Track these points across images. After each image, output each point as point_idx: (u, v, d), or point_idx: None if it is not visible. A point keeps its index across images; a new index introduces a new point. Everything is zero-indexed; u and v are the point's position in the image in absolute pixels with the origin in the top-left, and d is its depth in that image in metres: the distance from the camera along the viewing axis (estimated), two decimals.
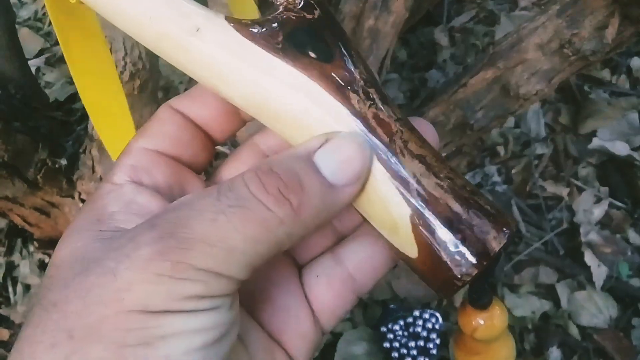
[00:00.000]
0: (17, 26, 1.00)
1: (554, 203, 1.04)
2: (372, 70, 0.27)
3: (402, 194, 0.25)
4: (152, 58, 0.65)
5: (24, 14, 1.42)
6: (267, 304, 0.29)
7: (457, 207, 0.25)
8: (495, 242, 0.25)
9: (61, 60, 1.28)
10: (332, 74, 0.26)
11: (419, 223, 0.25)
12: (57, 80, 1.21)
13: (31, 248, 0.98)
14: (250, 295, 0.28)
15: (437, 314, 0.83)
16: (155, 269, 0.21)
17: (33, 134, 0.72)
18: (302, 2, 0.26)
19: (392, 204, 0.25)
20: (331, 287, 0.29)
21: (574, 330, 0.91)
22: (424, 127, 0.28)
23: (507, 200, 1.04)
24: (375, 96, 0.26)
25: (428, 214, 0.25)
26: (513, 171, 1.08)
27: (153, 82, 0.68)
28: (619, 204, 1.03)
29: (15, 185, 0.72)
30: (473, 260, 0.25)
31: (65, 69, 1.24)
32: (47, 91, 1.09)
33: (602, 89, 1.16)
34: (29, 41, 1.31)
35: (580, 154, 1.09)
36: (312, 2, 0.26)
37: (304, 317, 0.29)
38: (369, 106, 0.26)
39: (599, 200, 1.03)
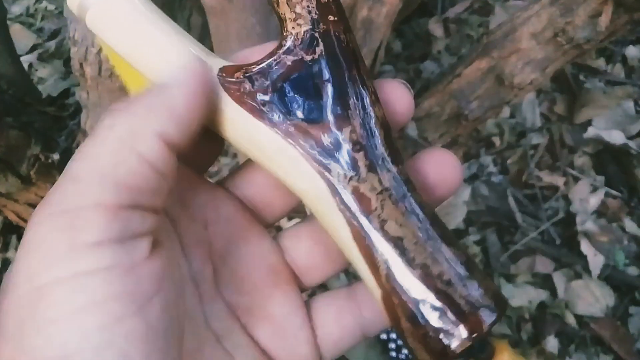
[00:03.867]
0: (9, 22, 0.99)
1: (550, 193, 1.04)
2: (372, 116, 0.25)
3: (373, 275, 0.24)
4: None
5: (16, 9, 1.41)
6: (266, 321, 0.28)
7: (422, 298, 0.24)
8: (457, 344, 0.23)
9: (54, 55, 1.27)
10: (317, 139, 0.25)
11: (390, 303, 0.24)
12: (50, 76, 1.20)
13: None
14: (247, 310, 0.28)
15: None
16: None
17: (26, 130, 0.72)
18: (307, 37, 0.25)
19: (368, 281, 0.25)
20: (340, 318, 0.29)
21: (571, 319, 0.91)
22: (394, 87, 0.27)
23: (503, 190, 1.03)
24: (362, 163, 0.25)
25: (395, 300, 0.24)
26: (509, 161, 1.08)
27: None
28: (615, 192, 1.03)
29: (9, 181, 0.72)
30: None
31: (58, 65, 1.24)
32: (40, 87, 1.08)
33: (597, 78, 1.16)
34: (22, 37, 1.30)
35: (576, 143, 1.09)
36: (317, 35, 0.25)
37: (304, 340, 0.28)
38: (350, 179, 0.24)
39: (595, 189, 1.03)
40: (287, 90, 0.25)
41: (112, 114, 0.22)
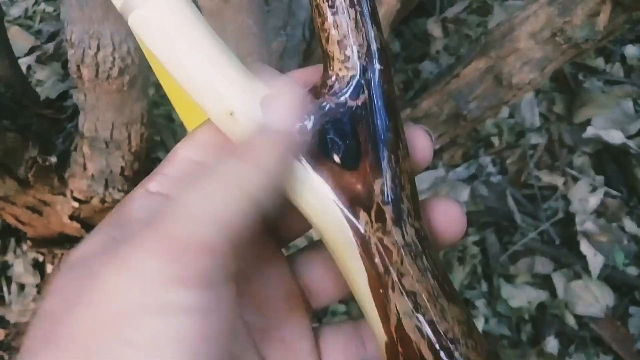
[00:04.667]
0: (7, 24, 0.99)
1: (550, 193, 1.04)
2: (403, 170, 0.26)
3: (382, 322, 0.25)
4: (141, 53, 0.64)
5: (14, 12, 1.41)
6: (278, 344, 0.29)
7: (427, 353, 0.24)
8: None
9: (52, 58, 1.27)
10: (351, 185, 0.25)
11: (395, 350, 0.25)
12: (48, 78, 1.20)
13: (24, 247, 0.98)
14: (262, 332, 0.28)
15: None
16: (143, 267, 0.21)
17: (23, 132, 0.72)
18: (354, 83, 0.25)
19: (375, 325, 0.26)
20: (346, 350, 0.30)
21: (570, 320, 0.91)
22: (418, 135, 0.27)
23: (502, 190, 1.03)
24: (389, 215, 0.25)
25: (401, 349, 0.25)
26: (508, 161, 1.08)
27: (143, 77, 0.67)
28: (615, 192, 1.03)
29: (7, 183, 0.72)
30: None
31: (56, 67, 1.24)
32: (38, 89, 1.08)
33: (596, 78, 1.16)
34: (20, 39, 1.30)
35: (575, 143, 1.09)
36: (363, 82, 0.25)
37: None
38: (376, 230, 0.25)
39: (594, 189, 1.03)
40: (327, 132, 0.25)
41: (226, 156, 0.23)
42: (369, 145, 0.25)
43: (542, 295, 0.93)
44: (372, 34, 0.25)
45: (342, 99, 0.25)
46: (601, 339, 0.89)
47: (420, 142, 0.27)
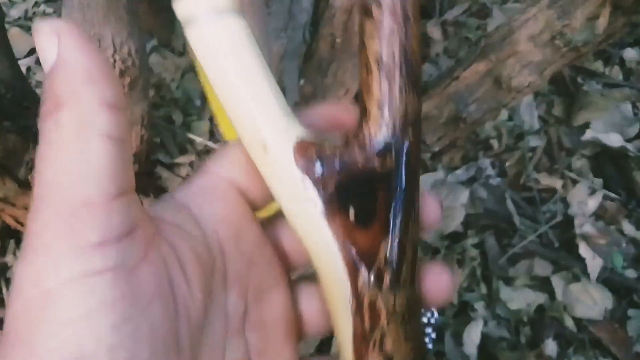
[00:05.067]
0: (7, 26, 0.99)
1: (548, 195, 1.04)
2: (409, 236, 0.27)
3: None
4: (142, 55, 0.64)
5: (14, 13, 1.41)
6: None
7: None
8: None
9: None
10: (359, 242, 0.26)
11: None
12: None
13: None
14: (259, 354, 0.29)
15: (433, 309, 0.83)
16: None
17: (24, 134, 0.72)
18: (383, 145, 0.26)
19: None
20: None
21: (569, 322, 0.91)
22: (430, 202, 0.28)
23: (502, 193, 1.03)
24: (387, 278, 0.26)
25: None
26: (507, 164, 1.08)
27: (143, 79, 0.67)
28: (613, 195, 1.03)
29: (6, 185, 0.72)
30: None
31: None
32: (38, 90, 1.08)
33: (595, 81, 1.16)
34: (20, 41, 1.30)
35: (573, 146, 1.09)
36: (392, 147, 0.26)
37: None
38: (372, 289, 0.26)
39: (593, 192, 1.03)
40: (348, 186, 0.26)
41: (47, 115, 0.22)
42: (384, 209, 0.26)
43: (541, 298, 0.93)
44: (412, 104, 0.26)
45: (370, 158, 0.26)
46: (600, 341, 0.89)
47: (431, 208, 0.28)
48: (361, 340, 0.26)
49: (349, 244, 0.26)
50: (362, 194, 0.26)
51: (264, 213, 0.31)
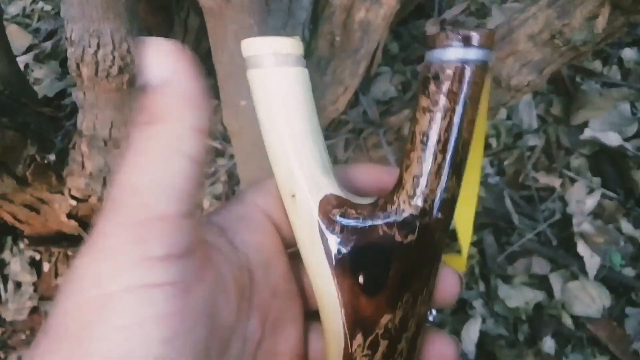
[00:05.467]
0: (5, 23, 0.99)
1: (547, 194, 1.05)
2: (415, 314, 0.26)
3: None
4: None
5: (12, 10, 1.41)
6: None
7: None
8: None
9: (50, 56, 1.27)
10: (361, 308, 0.26)
11: None
12: (45, 77, 1.20)
13: (21, 245, 0.98)
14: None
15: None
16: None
17: (22, 130, 0.72)
18: (408, 221, 0.26)
19: None
20: None
21: (567, 320, 0.91)
22: (449, 277, 0.28)
23: (500, 192, 1.04)
24: (381, 349, 0.26)
25: None
26: (505, 163, 1.08)
27: None
28: (611, 194, 1.03)
29: (5, 181, 0.72)
30: None
31: (53, 65, 1.24)
32: (36, 87, 1.08)
33: (593, 80, 1.16)
34: (18, 38, 1.30)
35: (572, 145, 1.09)
36: (417, 225, 0.26)
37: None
38: (364, 355, 0.26)
39: (591, 190, 1.03)
40: (363, 252, 0.26)
41: (141, 126, 0.23)
42: (395, 282, 0.26)
43: (539, 296, 0.93)
44: (447, 184, 0.25)
45: (393, 230, 0.26)
46: (598, 339, 0.89)
47: (449, 284, 0.28)
48: None
49: (351, 307, 0.26)
50: (376, 262, 0.26)
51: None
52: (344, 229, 0.26)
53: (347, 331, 0.26)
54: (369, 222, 0.26)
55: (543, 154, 1.09)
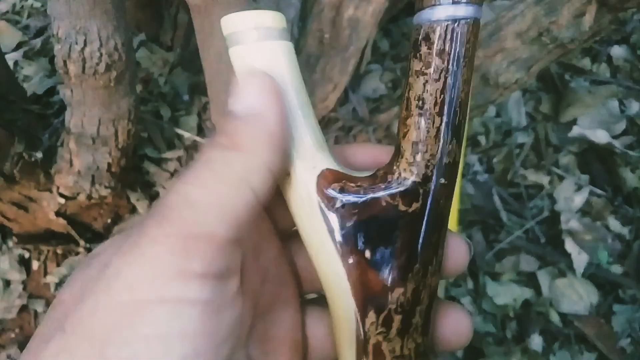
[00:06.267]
0: None
1: (535, 191, 1.05)
2: (427, 285, 0.26)
3: None
4: (129, 50, 0.64)
5: (1, 7, 1.40)
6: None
7: None
8: None
9: (39, 53, 1.26)
10: (370, 283, 0.25)
11: None
12: (35, 74, 1.19)
13: (10, 243, 0.97)
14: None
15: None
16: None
17: (10, 128, 0.71)
18: (411, 189, 0.25)
19: None
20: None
21: (555, 317, 0.92)
22: (457, 245, 0.28)
23: (489, 189, 1.04)
24: (395, 325, 0.25)
25: None
26: (494, 160, 1.08)
27: (130, 74, 0.67)
28: (600, 191, 1.04)
29: None
30: None
31: (43, 63, 1.23)
32: (25, 84, 1.07)
33: (582, 78, 1.17)
34: (7, 34, 1.29)
35: (560, 143, 1.09)
36: (421, 192, 0.25)
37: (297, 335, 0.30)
38: (378, 333, 0.25)
39: (579, 188, 1.03)
40: (367, 225, 0.25)
41: (220, 147, 0.24)
42: (403, 253, 0.25)
43: (527, 293, 0.94)
44: (448, 147, 0.25)
45: (396, 200, 0.25)
46: (585, 336, 0.90)
47: (457, 252, 0.28)
48: None
49: (360, 285, 0.25)
50: (381, 235, 0.25)
51: None
52: (344, 202, 0.25)
53: (358, 310, 0.25)
54: (370, 195, 0.25)
55: (532, 151, 1.09)
